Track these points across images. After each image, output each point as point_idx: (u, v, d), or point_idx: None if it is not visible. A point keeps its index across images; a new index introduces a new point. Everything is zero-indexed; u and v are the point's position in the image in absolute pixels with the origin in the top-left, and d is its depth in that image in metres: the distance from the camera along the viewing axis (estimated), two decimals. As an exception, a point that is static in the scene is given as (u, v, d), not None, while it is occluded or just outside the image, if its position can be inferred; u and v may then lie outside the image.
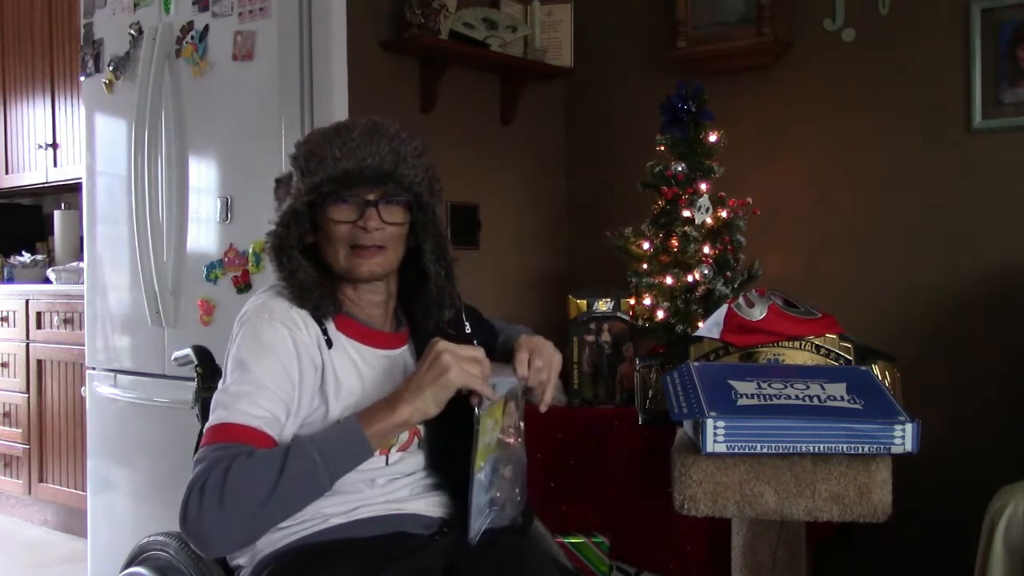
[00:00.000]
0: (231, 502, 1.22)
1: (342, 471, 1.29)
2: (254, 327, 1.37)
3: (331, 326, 1.42)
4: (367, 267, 1.40)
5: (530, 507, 1.53)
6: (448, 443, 1.43)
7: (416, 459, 1.46)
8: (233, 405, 1.30)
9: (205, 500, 1.22)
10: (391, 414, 1.29)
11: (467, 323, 1.57)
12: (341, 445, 1.28)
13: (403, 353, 1.50)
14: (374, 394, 1.39)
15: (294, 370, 1.34)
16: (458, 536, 1.40)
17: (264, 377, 1.32)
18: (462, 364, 1.29)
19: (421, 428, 1.45)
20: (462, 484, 1.37)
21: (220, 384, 1.37)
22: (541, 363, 1.42)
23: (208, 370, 1.65)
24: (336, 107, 2.54)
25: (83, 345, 3.17)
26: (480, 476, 1.33)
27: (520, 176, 3.54)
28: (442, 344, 1.30)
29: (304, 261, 1.40)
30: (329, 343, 1.40)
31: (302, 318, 1.38)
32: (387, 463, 1.42)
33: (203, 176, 2.73)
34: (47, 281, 4.03)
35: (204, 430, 1.33)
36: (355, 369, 1.42)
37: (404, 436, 1.43)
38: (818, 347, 1.96)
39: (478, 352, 1.33)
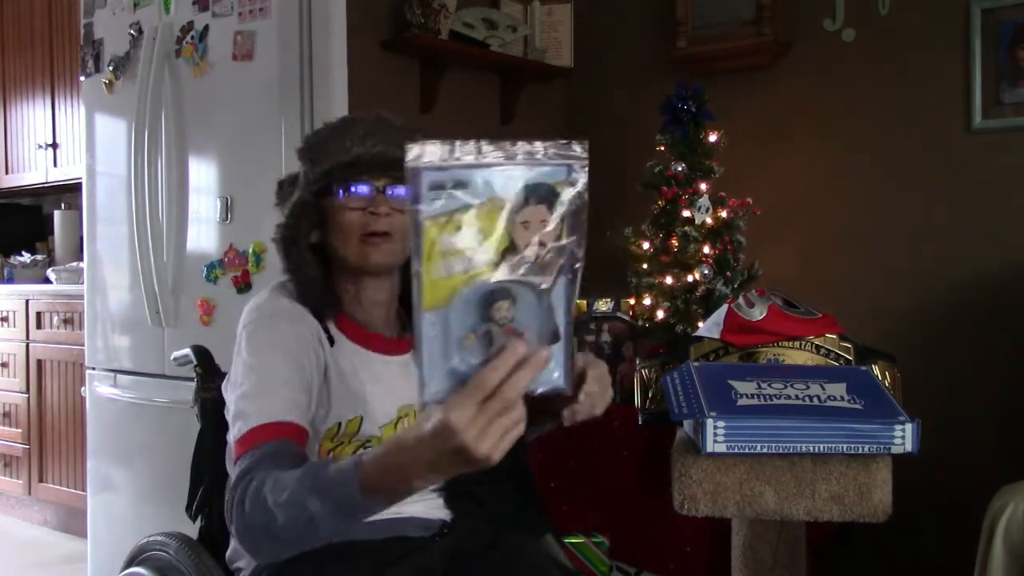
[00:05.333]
0: (249, 531, 1.17)
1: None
2: (254, 330, 1.36)
3: (332, 325, 1.42)
4: (378, 255, 1.39)
5: (544, 512, 1.53)
6: None
7: None
8: (250, 408, 1.28)
9: (235, 516, 1.18)
10: (399, 489, 1.02)
11: None
12: (341, 514, 1.09)
13: (405, 360, 1.46)
14: (372, 400, 1.39)
15: (303, 360, 1.34)
16: (459, 537, 1.40)
17: (275, 369, 1.32)
18: (497, 447, 0.90)
19: None
20: (479, 490, 1.38)
21: (229, 395, 1.35)
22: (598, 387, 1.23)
23: (208, 370, 1.65)
24: (336, 107, 2.54)
25: (83, 345, 3.17)
26: (429, 316, 0.85)
27: (520, 176, 3.54)
28: (458, 420, 0.88)
29: (311, 257, 1.40)
30: (331, 340, 1.40)
31: (301, 315, 1.38)
32: None
33: (203, 176, 2.73)
34: (47, 281, 4.03)
35: (231, 444, 1.29)
36: (355, 371, 1.41)
37: None
38: (818, 347, 1.96)
39: (515, 412, 0.90)
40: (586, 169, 0.86)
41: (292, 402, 1.30)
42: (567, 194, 0.87)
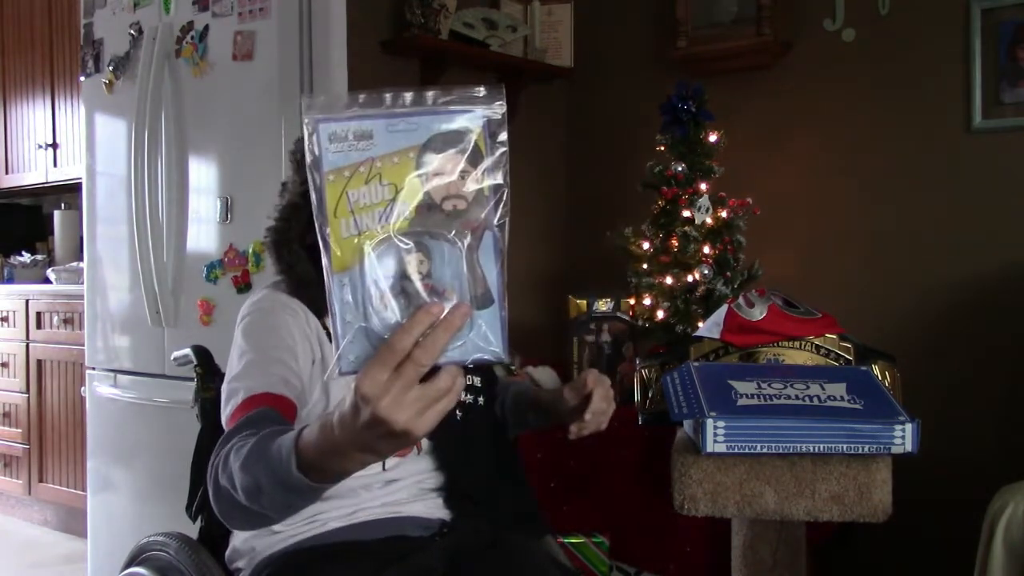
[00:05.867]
0: (219, 498, 1.15)
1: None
2: (250, 323, 1.38)
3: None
4: None
5: (543, 512, 1.53)
6: (469, 456, 1.44)
7: (416, 465, 1.45)
8: (240, 386, 1.28)
9: (210, 482, 1.15)
10: (334, 470, 0.94)
11: None
12: (285, 490, 1.00)
13: None
14: None
15: (297, 349, 1.35)
16: (459, 537, 1.40)
17: (268, 352, 1.32)
18: (419, 420, 0.81)
19: (424, 440, 1.45)
20: (479, 492, 1.37)
21: (224, 383, 1.35)
22: (605, 405, 1.39)
23: (208, 370, 1.65)
24: (336, 107, 2.54)
25: (83, 345, 3.17)
26: (339, 278, 0.80)
27: (520, 176, 3.53)
28: (369, 388, 0.80)
29: (303, 255, 1.41)
30: (330, 337, 1.40)
31: (302, 310, 1.39)
32: (384, 468, 1.41)
33: (203, 176, 2.73)
34: (47, 281, 4.03)
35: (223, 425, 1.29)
36: None
37: None
38: (818, 347, 1.96)
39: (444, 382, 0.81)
40: (504, 113, 0.79)
41: (282, 380, 1.30)
42: (484, 141, 0.79)
